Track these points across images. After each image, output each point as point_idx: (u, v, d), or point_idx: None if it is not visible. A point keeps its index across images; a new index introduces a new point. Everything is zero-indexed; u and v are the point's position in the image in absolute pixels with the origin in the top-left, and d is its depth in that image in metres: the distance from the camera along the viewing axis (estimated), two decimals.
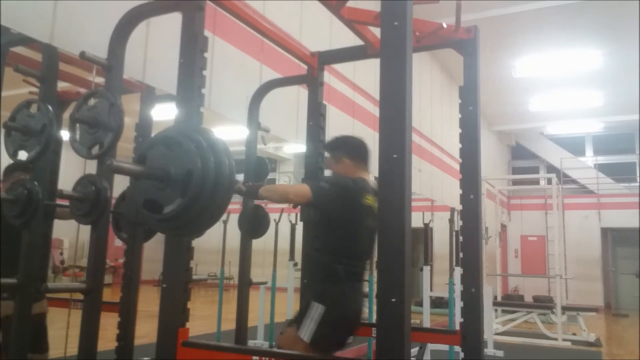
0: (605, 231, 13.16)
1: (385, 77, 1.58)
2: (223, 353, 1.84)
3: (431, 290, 6.42)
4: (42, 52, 2.60)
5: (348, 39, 2.92)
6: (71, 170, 3.04)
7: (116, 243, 4.25)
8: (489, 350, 5.48)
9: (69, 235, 11.23)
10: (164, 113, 2.97)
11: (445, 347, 4.76)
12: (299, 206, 2.94)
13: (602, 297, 12.64)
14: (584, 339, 7.48)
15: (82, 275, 7.92)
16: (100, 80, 2.29)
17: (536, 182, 13.45)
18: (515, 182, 14.24)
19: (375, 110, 5.66)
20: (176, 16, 1.94)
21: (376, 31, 1.94)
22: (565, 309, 7.88)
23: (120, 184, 2.31)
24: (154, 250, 5.42)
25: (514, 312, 8.48)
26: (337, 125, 5.09)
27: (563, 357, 6.66)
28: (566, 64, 8.75)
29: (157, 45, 3.01)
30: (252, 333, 4.72)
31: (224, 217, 4.19)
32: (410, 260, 1.49)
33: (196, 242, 1.92)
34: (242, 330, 2.97)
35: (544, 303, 9.51)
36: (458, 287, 4.82)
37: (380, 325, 1.47)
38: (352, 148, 2.52)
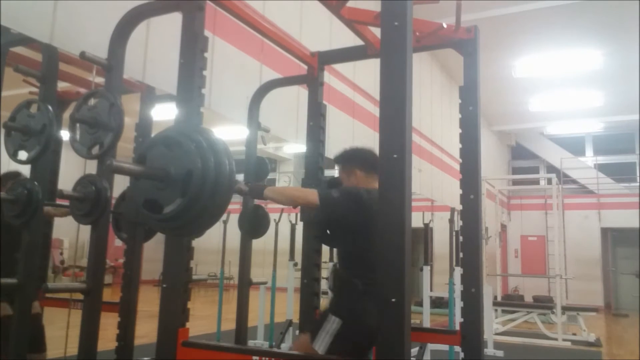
0: (605, 231, 13.16)
1: (385, 77, 1.58)
2: (223, 353, 1.84)
3: (431, 290, 6.41)
4: (42, 52, 2.60)
5: (348, 39, 2.92)
6: (71, 170, 3.04)
7: (116, 243, 4.25)
8: (489, 350, 5.48)
9: (69, 235, 11.23)
10: (164, 113, 2.97)
11: (445, 347, 4.76)
12: (299, 206, 2.94)
13: (602, 297, 12.64)
14: (584, 339, 7.49)
15: (82, 275, 7.92)
16: (100, 80, 2.29)
17: (536, 182, 13.45)
18: (515, 182, 14.25)
19: (375, 110, 5.66)
20: (176, 16, 1.94)
21: (376, 31, 1.95)
22: (565, 309, 7.88)
23: (120, 184, 2.31)
24: (154, 250, 5.42)
25: (514, 312, 8.48)
26: (337, 125, 5.09)
27: (563, 357, 6.66)
28: (566, 64, 8.75)
29: (157, 45, 3.01)
30: (252, 333, 4.73)
31: (224, 217, 4.19)
32: (410, 260, 1.49)
33: (196, 242, 1.92)
34: (242, 330, 2.97)
35: (544, 303, 9.50)
36: (458, 287, 4.82)
37: (380, 325, 1.47)
38: (363, 159, 2.47)
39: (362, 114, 5.68)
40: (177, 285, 1.82)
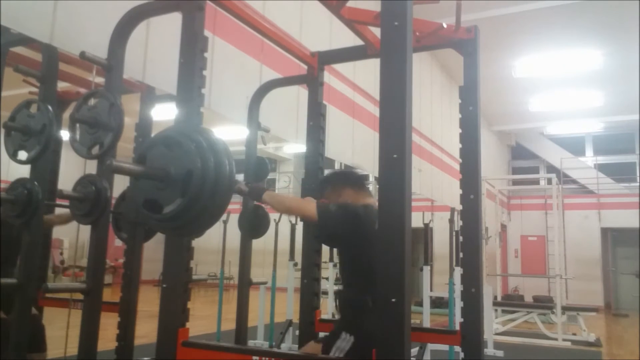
0: (605, 231, 13.16)
1: (385, 77, 1.58)
2: (223, 353, 1.84)
3: (431, 290, 6.41)
4: (42, 52, 2.60)
5: (348, 39, 2.92)
6: (71, 170, 3.04)
7: (116, 243, 4.25)
8: (489, 350, 5.48)
9: (69, 235, 11.24)
10: (164, 113, 2.97)
11: (445, 347, 4.76)
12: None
13: (602, 297, 12.64)
14: (584, 339, 7.49)
15: (82, 275, 7.92)
16: (100, 80, 2.29)
17: (536, 182, 13.46)
18: (515, 182, 14.25)
19: (375, 110, 5.66)
20: (176, 16, 1.94)
21: (376, 31, 1.95)
22: (565, 309, 7.88)
23: (120, 184, 2.31)
24: (154, 250, 5.42)
25: (514, 312, 8.48)
26: (337, 125, 5.09)
27: (563, 357, 6.66)
28: (566, 64, 8.75)
29: (157, 45, 3.01)
30: (252, 333, 4.72)
31: (224, 217, 4.19)
32: (410, 260, 1.49)
33: (196, 242, 1.92)
34: (242, 330, 2.97)
35: (544, 303, 9.50)
36: (458, 287, 4.82)
37: (380, 325, 1.47)
38: (351, 177, 2.46)
39: (362, 114, 5.68)
40: (177, 285, 1.82)
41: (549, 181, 10.83)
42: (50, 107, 2.31)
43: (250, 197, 2.59)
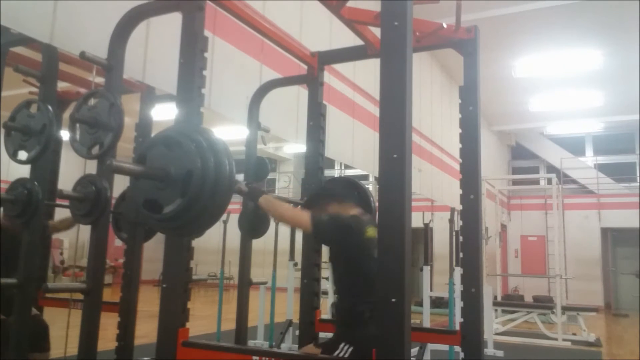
0: (605, 231, 13.16)
1: (385, 77, 1.58)
2: (223, 353, 1.84)
3: (431, 290, 6.41)
4: (42, 52, 2.60)
5: (348, 39, 2.92)
6: (71, 170, 3.04)
7: (116, 243, 4.25)
8: (489, 350, 5.47)
9: (69, 235, 11.22)
10: (164, 113, 2.97)
11: (445, 347, 4.76)
12: (299, 206, 2.94)
13: (602, 297, 12.64)
14: (584, 339, 7.48)
15: (82, 275, 7.92)
16: (100, 80, 2.29)
17: (536, 182, 13.46)
18: (515, 182, 14.25)
19: (375, 110, 5.66)
20: (176, 16, 1.94)
21: (376, 31, 1.95)
22: (565, 309, 7.88)
23: (120, 184, 2.31)
24: (154, 250, 5.42)
25: (514, 312, 8.48)
26: (337, 125, 5.09)
27: (563, 357, 6.66)
28: (566, 64, 8.75)
29: (157, 45, 3.01)
30: (252, 333, 4.72)
31: (224, 217, 4.19)
32: (410, 260, 1.49)
33: (196, 242, 1.92)
34: (242, 330, 2.97)
35: (544, 303, 9.50)
36: (458, 287, 4.82)
37: (380, 325, 1.47)
38: (334, 193, 2.46)
39: (362, 114, 5.68)
40: (177, 285, 1.82)
41: (549, 181, 10.82)
42: (50, 107, 2.31)
43: (248, 198, 2.59)
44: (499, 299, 9.89)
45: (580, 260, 12.52)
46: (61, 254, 11.55)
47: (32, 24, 2.38)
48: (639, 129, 12.62)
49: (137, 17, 2.19)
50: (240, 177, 2.42)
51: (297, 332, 3.09)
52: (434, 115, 8.05)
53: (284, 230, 6.16)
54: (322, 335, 2.74)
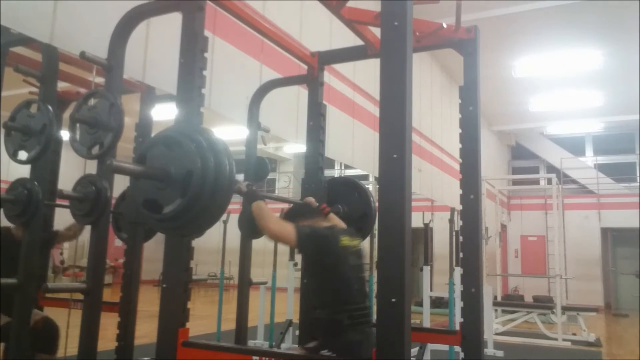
0: (605, 231, 13.15)
1: (385, 77, 1.58)
2: (223, 353, 1.84)
3: (431, 290, 6.41)
4: (42, 52, 2.60)
5: (348, 39, 2.92)
6: (71, 170, 3.04)
7: (116, 243, 4.25)
8: (489, 350, 5.48)
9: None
10: (164, 113, 2.97)
11: (445, 347, 4.76)
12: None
13: (602, 297, 12.63)
14: (584, 339, 7.48)
15: (82, 275, 7.92)
16: (100, 80, 2.29)
17: (536, 182, 13.45)
18: (515, 182, 14.24)
19: (375, 110, 5.66)
20: (176, 16, 1.94)
21: (376, 31, 1.95)
22: (565, 309, 7.88)
23: (120, 184, 2.31)
24: (154, 250, 5.42)
25: (514, 312, 8.48)
26: (337, 125, 5.09)
27: (563, 357, 6.66)
28: (566, 64, 8.74)
29: (157, 45, 3.01)
30: (252, 333, 4.72)
31: (224, 217, 4.19)
32: (410, 260, 1.49)
33: (196, 242, 1.92)
34: (242, 330, 2.97)
35: (544, 303, 9.50)
36: (458, 287, 4.82)
37: (380, 325, 1.47)
38: (304, 212, 2.51)
39: (362, 114, 5.68)
40: (177, 285, 1.82)
41: (549, 181, 10.82)
42: (50, 107, 2.31)
43: (246, 198, 2.60)
44: (499, 299, 9.89)
45: (580, 260, 12.52)
46: (61, 254, 11.54)
47: (32, 24, 2.38)
48: (639, 129, 12.62)
49: (137, 17, 2.19)
50: (240, 177, 2.42)
51: (297, 332, 3.09)
52: (434, 115, 8.05)
53: None
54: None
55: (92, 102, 2.11)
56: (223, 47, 3.67)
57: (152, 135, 2.21)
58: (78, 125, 2.10)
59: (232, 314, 3.10)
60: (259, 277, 3.56)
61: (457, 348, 2.73)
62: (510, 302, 9.67)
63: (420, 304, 6.53)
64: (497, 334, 7.46)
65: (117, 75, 2.17)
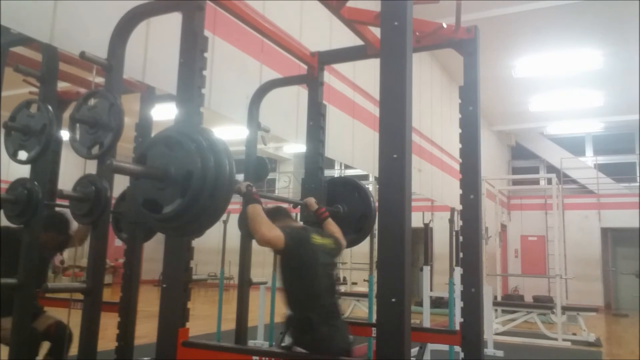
0: (605, 231, 13.15)
1: (385, 77, 1.58)
2: (223, 353, 1.84)
3: (431, 290, 6.41)
4: (42, 52, 2.60)
5: (348, 39, 2.92)
6: (71, 170, 3.04)
7: (116, 243, 4.25)
8: (489, 350, 5.47)
9: None
10: (164, 113, 2.96)
11: (445, 347, 4.76)
12: (299, 206, 2.94)
13: (602, 297, 12.63)
14: (584, 339, 7.49)
15: (82, 275, 7.92)
16: (100, 80, 2.29)
17: (536, 182, 13.45)
18: (515, 182, 14.24)
19: (375, 110, 5.66)
20: (176, 16, 1.94)
21: (376, 31, 1.95)
22: (565, 309, 7.88)
23: (120, 184, 2.31)
24: (154, 250, 5.42)
25: (514, 312, 8.48)
26: (337, 125, 5.09)
27: (563, 357, 6.66)
28: (566, 64, 8.74)
29: (157, 45, 3.01)
30: (252, 333, 4.72)
31: (224, 217, 4.19)
32: (410, 260, 1.49)
33: (196, 242, 1.92)
34: (242, 330, 2.97)
35: (544, 303, 9.50)
36: (458, 287, 4.82)
37: (380, 325, 1.47)
38: (271, 215, 2.47)
39: (362, 114, 5.68)
40: (177, 285, 1.82)
41: (549, 181, 10.82)
42: (50, 107, 2.31)
43: (244, 199, 2.60)
44: (499, 299, 9.89)
45: (580, 260, 12.52)
46: (61, 254, 11.54)
47: (32, 24, 2.38)
48: (639, 129, 12.62)
49: (137, 17, 2.19)
50: (240, 177, 2.42)
51: None
52: (434, 115, 8.05)
53: None
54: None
55: (92, 102, 2.11)
56: (223, 47, 3.67)
57: (152, 135, 2.21)
58: (78, 125, 2.10)
59: (232, 314, 3.10)
60: (259, 277, 3.56)
61: (457, 348, 2.73)
62: (510, 302, 9.67)
63: (420, 304, 6.54)
64: (497, 334, 7.46)
65: (117, 75, 2.17)
